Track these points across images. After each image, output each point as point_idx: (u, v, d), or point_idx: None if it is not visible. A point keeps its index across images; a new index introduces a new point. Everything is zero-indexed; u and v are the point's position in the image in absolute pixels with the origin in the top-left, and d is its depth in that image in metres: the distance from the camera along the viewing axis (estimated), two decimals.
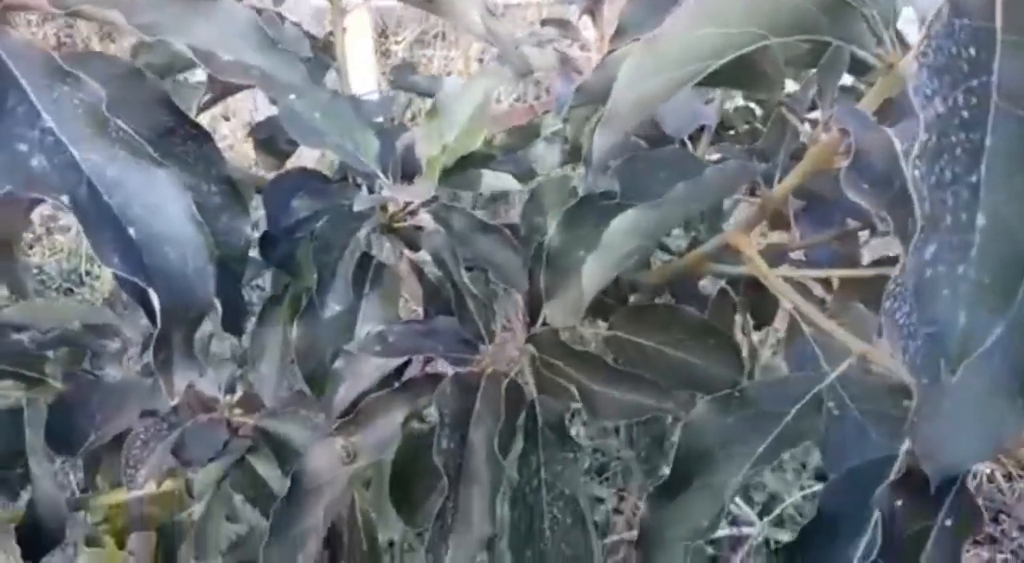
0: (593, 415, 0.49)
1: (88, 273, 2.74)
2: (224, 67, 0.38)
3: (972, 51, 0.29)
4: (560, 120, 0.76)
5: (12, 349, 0.83)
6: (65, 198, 0.34)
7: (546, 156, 0.94)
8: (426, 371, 0.53)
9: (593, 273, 0.43)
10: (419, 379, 0.53)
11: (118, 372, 0.94)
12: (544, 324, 0.55)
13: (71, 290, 2.70)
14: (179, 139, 0.46)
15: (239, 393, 0.77)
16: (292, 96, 0.54)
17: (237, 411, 0.76)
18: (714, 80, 0.44)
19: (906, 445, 0.37)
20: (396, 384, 0.55)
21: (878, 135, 0.35)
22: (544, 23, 1.01)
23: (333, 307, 0.52)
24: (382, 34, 3.37)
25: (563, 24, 1.01)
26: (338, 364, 0.54)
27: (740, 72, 0.44)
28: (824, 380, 0.43)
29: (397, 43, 3.44)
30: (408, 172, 0.62)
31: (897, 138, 0.34)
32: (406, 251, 0.64)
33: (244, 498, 0.74)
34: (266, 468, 0.75)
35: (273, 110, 0.82)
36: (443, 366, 0.62)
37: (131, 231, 0.35)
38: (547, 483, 0.56)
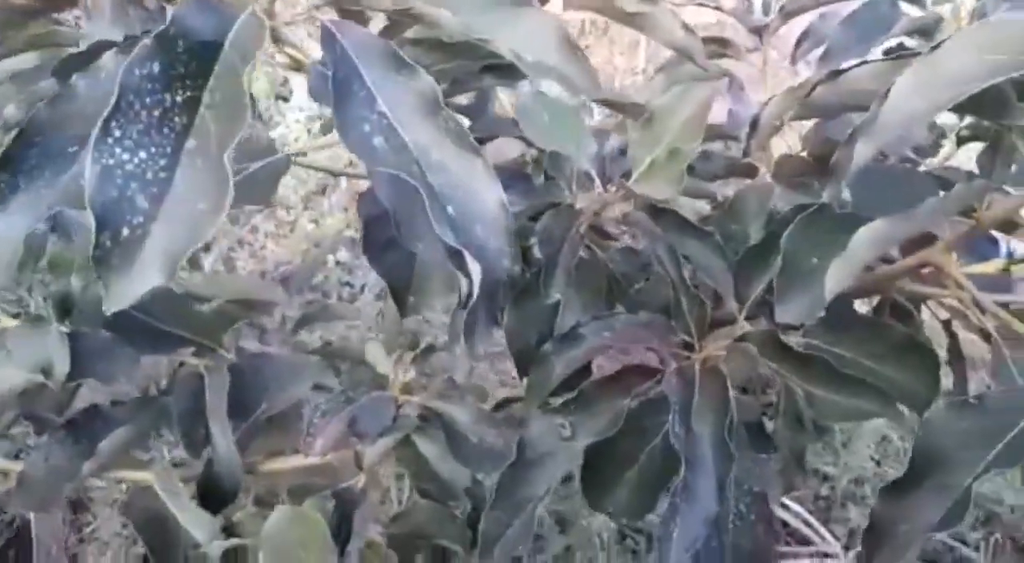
0: (814, 416, 0.51)
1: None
2: (529, 67, 0.42)
3: None
4: (738, 134, 0.78)
5: (195, 319, 0.87)
6: (403, 175, 0.38)
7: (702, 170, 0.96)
8: (636, 363, 0.56)
9: (837, 278, 0.45)
10: (630, 369, 0.56)
11: (281, 346, 0.99)
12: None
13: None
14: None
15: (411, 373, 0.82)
16: (527, 99, 0.58)
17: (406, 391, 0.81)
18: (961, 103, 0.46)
19: None
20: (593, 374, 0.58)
21: None
22: (704, 41, 1.03)
23: (554, 295, 0.55)
24: None
25: (722, 42, 1.04)
26: (546, 348, 0.58)
27: (990, 95, 0.46)
28: None
29: None
30: (610, 174, 0.66)
31: None
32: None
33: (408, 473, 0.79)
34: (428, 447, 0.79)
35: None
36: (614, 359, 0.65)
37: (449, 209, 0.39)
38: (736, 479, 0.58)
